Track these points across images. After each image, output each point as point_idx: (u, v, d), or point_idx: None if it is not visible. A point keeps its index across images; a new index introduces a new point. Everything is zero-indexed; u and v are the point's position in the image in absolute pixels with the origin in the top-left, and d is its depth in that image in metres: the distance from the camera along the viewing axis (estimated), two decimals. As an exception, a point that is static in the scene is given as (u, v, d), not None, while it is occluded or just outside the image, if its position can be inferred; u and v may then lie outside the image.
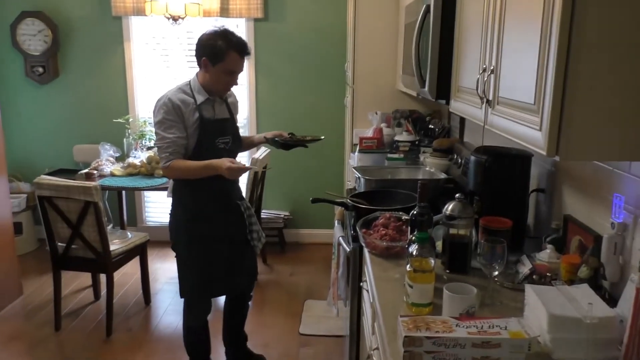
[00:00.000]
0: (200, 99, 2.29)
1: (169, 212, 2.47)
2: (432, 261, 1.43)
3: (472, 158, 1.91)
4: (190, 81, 2.33)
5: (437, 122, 3.36)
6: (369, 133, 3.33)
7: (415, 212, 1.64)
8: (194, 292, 2.48)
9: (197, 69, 2.32)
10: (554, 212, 1.83)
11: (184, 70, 4.37)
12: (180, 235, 2.42)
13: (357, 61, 3.60)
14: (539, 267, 1.59)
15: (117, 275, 3.79)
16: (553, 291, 1.30)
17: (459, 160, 2.63)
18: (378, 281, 1.68)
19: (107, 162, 3.86)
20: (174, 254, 2.51)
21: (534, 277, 1.57)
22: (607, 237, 1.38)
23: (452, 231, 1.68)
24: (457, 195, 1.68)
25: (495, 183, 1.83)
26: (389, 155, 2.87)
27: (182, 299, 2.55)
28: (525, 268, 1.60)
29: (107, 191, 4.20)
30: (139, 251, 3.37)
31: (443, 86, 1.98)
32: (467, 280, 1.65)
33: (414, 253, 1.45)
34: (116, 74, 4.40)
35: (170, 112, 2.22)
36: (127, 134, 4.13)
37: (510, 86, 1.39)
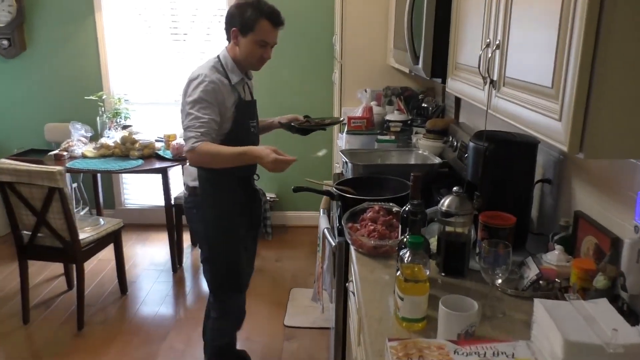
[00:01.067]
0: (234, 78, 2.08)
1: (187, 204, 2.22)
2: (427, 270, 1.24)
3: (471, 145, 1.70)
4: (219, 57, 2.09)
5: (431, 101, 3.14)
6: (358, 112, 3.10)
7: (407, 209, 1.44)
8: (226, 288, 2.29)
9: (221, 46, 2.14)
10: (561, 207, 1.64)
11: (167, 44, 4.09)
12: (209, 230, 2.17)
13: (345, 34, 3.35)
14: (546, 272, 1.40)
15: (92, 262, 3.59)
16: (567, 308, 1.10)
17: (455, 143, 2.42)
18: (364, 284, 1.49)
19: (79, 143, 3.62)
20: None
21: (541, 282, 1.39)
22: (630, 243, 1.19)
23: (449, 229, 1.49)
24: (455, 188, 1.47)
25: (497, 173, 1.63)
26: (379, 137, 2.66)
27: (205, 313, 2.42)
28: (531, 272, 1.41)
29: (81, 173, 3.97)
30: (113, 238, 3.16)
31: (439, 63, 1.76)
32: (464, 285, 1.46)
33: (406, 259, 1.25)
34: (88, 47, 4.11)
35: (209, 92, 1.98)
36: (100, 112, 3.86)
37: (520, 64, 1.17)
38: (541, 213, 1.78)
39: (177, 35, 4.09)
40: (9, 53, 4.09)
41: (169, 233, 3.54)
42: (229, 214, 2.16)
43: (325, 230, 2.09)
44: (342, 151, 2.51)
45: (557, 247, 1.46)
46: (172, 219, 3.51)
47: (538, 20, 1.06)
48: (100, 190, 4.10)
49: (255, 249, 2.47)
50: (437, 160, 2.34)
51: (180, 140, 3.49)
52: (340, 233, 1.92)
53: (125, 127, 3.85)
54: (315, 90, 4.17)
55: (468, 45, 1.55)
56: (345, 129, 3.02)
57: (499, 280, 1.31)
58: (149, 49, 4.12)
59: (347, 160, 2.35)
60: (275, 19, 2.04)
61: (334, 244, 1.97)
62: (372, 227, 1.70)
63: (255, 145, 2.09)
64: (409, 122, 3.06)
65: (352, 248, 1.72)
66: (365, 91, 3.11)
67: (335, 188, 2.10)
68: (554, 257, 1.45)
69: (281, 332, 2.93)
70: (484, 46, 1.37)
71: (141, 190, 4.44)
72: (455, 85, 1.68)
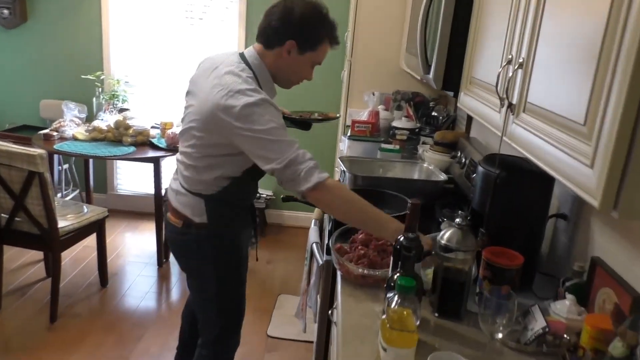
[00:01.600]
0: (270, 95, 1.64)
1: (183, 236, 1.78)
2: (417, 319, 1.07)
3: (480, 169, 1.52)
4: (250, 65, 1.64)
5: (442, 110, 2.95)
6: (364, 116, 2.92)
7: (400, 242, 1.26)
8: (230, 327, 1.95)
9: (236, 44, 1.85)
10: (577, 249, 1.46)
11: (177, 27, 3.91)
12: (219, 269, 1.82)
13: (357, 31, 3.16)
14: (554, 325, 1.23)
15: (76, 248, 3.45)
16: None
17: (463, 159, 2.24)
18: (347, 318, 1.32)
19: (71, 124, 3.46)
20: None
21: (548, 337, 1.21)
22: (658, 310, 1.01)
23: (447, 264, 1.32)
24: (458, 220, 1.30)
25: (507, 204, 1.45)
26: (383, 146, 2.48)
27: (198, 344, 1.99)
28: (536, 324, 1.24)
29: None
30: (96, 228, 3.01)
31: (452, 73, 1.58)
32: (460, 330, 1.29)
33: (394, 303, 1.08)
34: (91, 23, 3.94)
35: (275, 113, 1.54)
36: (97, 92, 3.70)
37: (545, 90, 0.99)
38: (552, 251, 1.60)
39: (192, 19, 3.90)
40: (10, 23, 3.93)
41: (157, 224, 3.38)
42: (241, 246, 1.86)
43: (314, 245, 1.93)
44: (341, 158, 2.33)
45: (569, 296, 1.29)
46: (161, 210, 3.35)
47: (573, 39, 0.88)
48: (91, 174, 3.95)
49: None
50: (443, 176, 2.16)
51: (175, 129, 3.33)
52: (330, 251, 1.75)
53: (122, 111, 3.69)
54: (323, 87, 3.98)
55: (486, 59, 1.37)
56: (349, 132, 2.85)
57: (499, 334, 1.14)
58: (156, 30, 3.95)
59: (344, 169, 2.18)
60: (336, 40, 1.72)
61: (321, 262, 1.81)
62: (362, 252, 1.53)
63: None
64: (416, 130, 2.88)
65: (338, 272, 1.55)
66: (373, 94, 2.93)
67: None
68: (564, 307, 1.27)
69: (263, 342, 2.78)
70: (504, 62, 1.19)
71: (134, 177, 4.28)
72: (468, 102, 1.50)
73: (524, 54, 1.11)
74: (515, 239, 1.43)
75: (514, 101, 1.15)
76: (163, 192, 3.32)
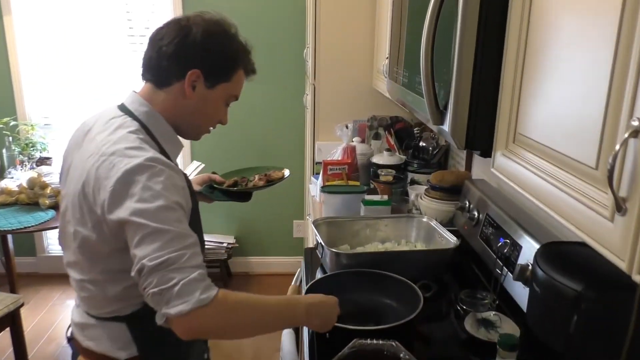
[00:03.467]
0: (174, 153, 1.22)
1: None
2: None
3: (540, 274, 0.97)
4: (136, 116, 1.16)
5: (430, 139, 2.42)
6: (337, 153, 2.37)
7: None
8: None
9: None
10: None
11: (117, 54, 3.27)
12: None
13: (319, 48, 2.62)
14: None
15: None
16: None
17: (475, 213, 1.71)
18: None
19: (-26, 185, 2.78)
20: None
21: None
22: None
23: None
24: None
25: (595, 336, 0.90)
26: (367, 198, 1.93)
27: None
28: None
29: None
30: (9, 321, 2.35)
31: (478, 125, 1.04)
32: None
33: None
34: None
35: (172, 182, 1.05)
36: (7, 143, 3.03)
37: None
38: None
39: (133, 43, 3.27)
40: None
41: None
42: None
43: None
44: (315, 223, 1.77)
45: None
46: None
47: None
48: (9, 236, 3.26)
49: None
50: (453, 240, 1.63)
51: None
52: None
53: (42, 162, 3.03)
54: (287, 112, 3.42)
55: (550, 109, 0.83)
56: (320, 177, 2.29)
57: None
58: (84, 56, 3.28)
59: (322, 242, 1.62)
60: (252, 67, 1.26)
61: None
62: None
63: None
64: (402, 166, 2.35)
65: None
66: (347, 127, 2.38)
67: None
68: None
69: None
70: (626, 132, 0.65)
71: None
72: (512, 169, 0.96)
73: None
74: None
75: (624, 193, 0.62)
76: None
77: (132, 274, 1.00)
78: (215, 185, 1.58)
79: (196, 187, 1.55)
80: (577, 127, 0.74)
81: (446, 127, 1.07)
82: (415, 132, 2.52)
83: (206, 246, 3.37)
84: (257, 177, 1.62)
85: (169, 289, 0.96)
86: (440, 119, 1.10)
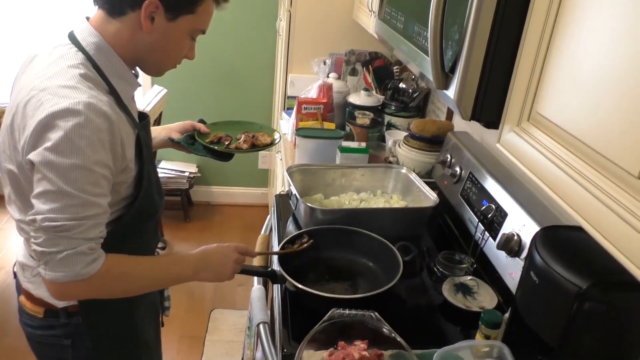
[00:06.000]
0: (127, 91, 1.06)
1: (45, 331, 1.15)
2: None
3: (539, 260, 0.92)
4: (84, 47, 1.00)
5: (410, 79, 2.30)
6: (312, 91, 2.22)
7: None
8: None
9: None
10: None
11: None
12: None
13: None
14: None
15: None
16: None
17: (457, 169, 1.64)
18: None
19: None
20: None
21: None
22: None
23: None
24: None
25: (599, 336, 0.87)
26: (344, 145, 1.82)
27: None
28: None
29: None
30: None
31: (488, 95, 0.94)
32: None
33: None
34: None
35: (95, 143, 0.92)
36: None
37: None
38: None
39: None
40: None
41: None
42: (140, 331, 1.26)
43: (262, 326, 1.30)
44: (289, 170, 1.66)
45: None
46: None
47: None
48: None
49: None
50: (433, 197, 1.57)
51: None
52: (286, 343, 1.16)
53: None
54: (254, 35, 3.18)
55: (577, 93, 0.73)
56: (294, 117, 2.15)
57: None
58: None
59: (297, 193, 1.52)
60: None
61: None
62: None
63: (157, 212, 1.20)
64: (379, 107, 2.24)
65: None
66: (324, 63, 2.21)
67: (281, 265, 1.29)
68: None
69: (195, 387, 2.20)
70: None
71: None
72: (522, 149, 0.87)
73: None
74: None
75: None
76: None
77: (27, 218, 0.94)
78: (196, 138, 1.44)
79: (175, 135, 1.44)
80: (620, 123, 0.64)
81: (451, 93, 0.96)
82: (394, 71, 2.39)
83: (167, 175, 3.25)
84: (243, 137, 1.50)
85: (52, 254, 0.91)
86: (444, 83, 0.98)
